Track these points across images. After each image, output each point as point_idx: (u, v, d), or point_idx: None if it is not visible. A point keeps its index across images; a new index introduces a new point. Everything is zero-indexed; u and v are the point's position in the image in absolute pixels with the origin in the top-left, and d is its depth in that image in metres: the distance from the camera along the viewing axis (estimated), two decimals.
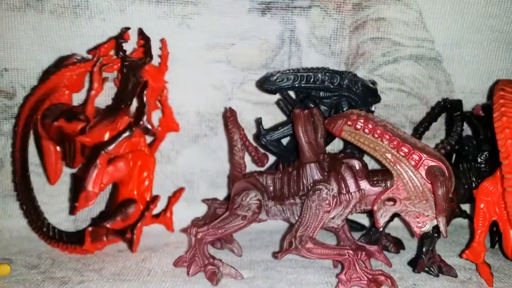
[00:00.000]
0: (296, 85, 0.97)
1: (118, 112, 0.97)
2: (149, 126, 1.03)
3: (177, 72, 1.06)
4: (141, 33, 1.00)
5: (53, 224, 1.02)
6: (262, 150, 1.00)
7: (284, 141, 1.03)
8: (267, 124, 1.04)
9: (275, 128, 1.02)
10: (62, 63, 1.01)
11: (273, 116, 1.10)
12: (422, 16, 1.07)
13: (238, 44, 1.07)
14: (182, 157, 1.08)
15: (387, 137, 0.79)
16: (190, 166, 1.12)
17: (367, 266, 0.86)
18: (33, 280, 0.86)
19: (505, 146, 0.77)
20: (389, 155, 0.80)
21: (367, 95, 0.99)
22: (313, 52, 1.08)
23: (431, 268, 0.90)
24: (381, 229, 0.97)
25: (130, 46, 1.04)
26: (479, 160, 0.97)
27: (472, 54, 1.10)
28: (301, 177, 0.87)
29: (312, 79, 0.97)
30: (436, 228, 0.81)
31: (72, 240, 0.99)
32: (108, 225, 0.98)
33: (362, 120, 0.81)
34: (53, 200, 1.08)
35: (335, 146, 1.13)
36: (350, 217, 0.93)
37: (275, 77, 0.97)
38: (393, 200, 0.81)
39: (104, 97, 1.04)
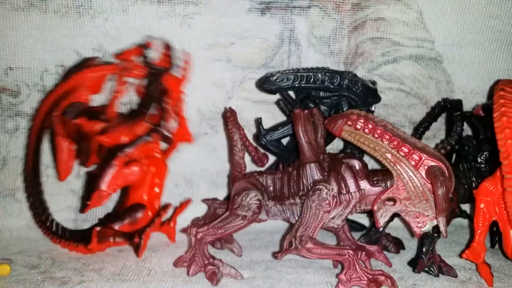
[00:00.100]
0: (296, 85, 0.97)
1: (139, 117, 0.97)
2: (168, 134, 1.02)
3: None
4: (166, 43, 1.01)
5: (57, 220, 1.02)
6: (262, 150, 1.00)
7: (284, 141, 1.03)
8: (267, 124, 1.04)
9: (275, 128, 1.02)
10: (84, 64, 1.02)
11: (273, 116, 1.10)
12: (422, 16, 1.07)
13: (238, 44, 1.07)
14: (182, 156, 1.08)
15: (387, 137, 0.79)
16: (190, 165, 1.13)
17: (367, 266, 0.86)
18: (33, 280, 0.86)
19: (505, 146, 0.77)
20: (389, 155, 0.80)
21: (367, 95, 0.99)
22: (312, 51, 1.08)
23: (431, 268, 0.90)
24: (381, 229, 0.97)
25: (130, 46, 1.05)
26: (479, 160, 0.97)
27: (473, 55, 1.10)
28: (301, 177, 0.87)
29: (312, 79, 0.97)
30: (436, 228, 0.81)
31: (75, 238, 0.99)
32: (116, 227, 0.98)
33: (362, 120, 0.81)
34: (53, 199, 1.08)
35: (335, 146, 1.13)
36: (350, 217, 0.93)
37: (275, 77, 0.97)
38: (393, 200, 0.81)
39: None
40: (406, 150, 0.79)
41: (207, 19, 1.05)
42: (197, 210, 1.07)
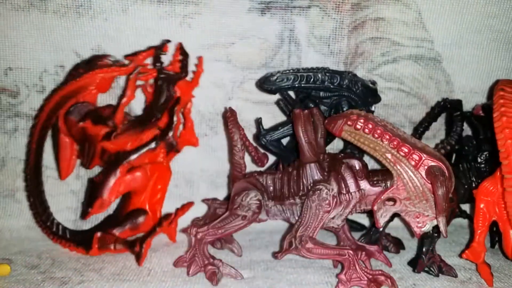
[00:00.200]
0: (296, 85, 0.97)
1: (147, 125, 0.96)
2: (174, 142, 1.02)
3: None
4: (180, 48, 1.00)
5: (57, 220, 1.02)
6: (262, 150, 1.00)
7: (284, 141, 1.03)
8: (267, 124, 1.04)
9: (275, 128, 1.02)
10: (95, 62, 1.00)
11: (273, 116, 1.10)
12: (421, 16, 1.07)
13: (238, 44, 1.07)
14: (182, 157, 1.08)
15: (387, 137, 0.79)
16: (190, 165, 1.13)
17: (367, 266, 0.86)
18: (33, 280, 0.86)
19: (505, 146, 0.77)
20: (389, 155, 0.80)
21: (367, 95, 0.99)
22: (312, 51, 1.08)
23: (431, 268, 0.90)
24: (381, 229, 0.97)
25: (131, 46, 1.05)
26: (479, 160, 0.97)
27: (472, 54, 1.10)
28: (301, 177, 0.87)
29: (312, 79, 0.97)
30: (436, 228, 0.81)
31: (76, 239, 0.99)
32: (116, 233, 0.98)
33: (362, 120, 0.81)
34: (53, 199, 1.07)
35: (335, 146, 1.13)
36: (350, 217, 0.93)
37: (275, 77, 0.97)
38: (393, 200, 0.81)
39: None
40: (406, 150, 0.79)
41: (207, 19, 1.05)
42: (197, 210, 1.06)
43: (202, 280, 0.86)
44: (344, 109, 0.98)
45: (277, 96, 1.06)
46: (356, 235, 1.00)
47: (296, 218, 0.87)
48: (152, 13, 1.04)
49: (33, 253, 0.98)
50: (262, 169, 1.03)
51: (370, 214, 0.92)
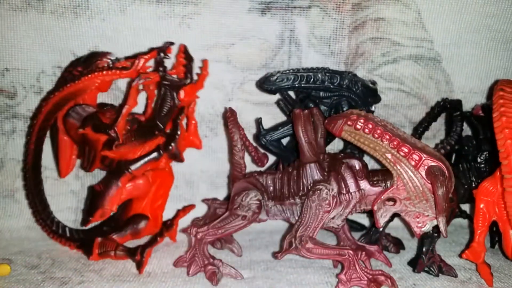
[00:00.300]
0: (296, 85, 0.97)
1: (150, 137, 0.95)
2: (177, 152, 0.99)
3: None
4: (185, 51, 0.98)
5: (57, 219, 1.02)
6: (262, 150, 1.00)
7: (284, 141, 1.03)
8: (267, 124, 1.04)
9: (275, 128, 1.02)
10: (94, 61, 0.99)
11: (273, 117, 1.10)
12: (421, 16, 1.07)
13: (238, 44, 1.07)
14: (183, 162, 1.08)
15: (387, 137, 0.79)
16: (190, 166, 1.12)
17: (367, 266, 0.86)
18: (33, 280, 0.86)
19: (504, 146, 0.77)
20: (389, 155, 0.80)
21: (367, 95, 0.99)
22: (313, 52, 1.08)
23: (431, 268, 0.90)
24: (381, 229, 0.97)
25: (129, 47, 1.05)
26: (479, 160, 0.97)
27: (471, 54, 1.11)
28: (301, 177, 0.87)
29: (312, 79, 0.97)
30: (436, 228, 0.81)
31: (76, 239, 0.99)
32: (117, 239, 0.97)
33: (362, 120, 0.81)
34: (53, 200, 1.07)
35: (335, 146, 1.13)
36: (350, 217, 0.93)
37: (275, 77, 0.97)
38: (393, 200, 0.81)
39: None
40: (406, 150, 0.79)
41: (206, 20, 1.05)
42: (197, 210, 1.07)
43: (202, 280, 0.86)
44: (344, 109, 0.98)
45: (277, 97, 1.06)
46: (356, 235, 1.00)
47: (296, 218, 0.87)
48: (150, 13, 1.03)
49: (33, 253, 0.98)
50: (262, 169, 1.03)
51: (370, 214, 0.92)
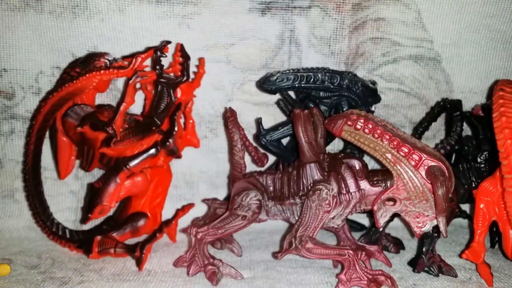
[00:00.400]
0: (296, 85, 0.97)
1: (148, 133, 0.95)
2: (175, 149, 0.99)
3: None
4: (181, 50, 0.98)
5: (57, 220, 1.01)
6: (262, 150, 1.00)
7: (284, 141, 1.03)
8: (267, 124, 1.04)
9: (275, 128, 1.02)
10: (92, 62, 0.99)
11: (273, 118, 1.10)
12: (420, 16, 1.07)
13: (238, 44, 1.06)
14: (182, 158, 1.08)
15: (387, 137, 0.79)
16: (190, 166, 1.12)
17: (367, 266, 0.86)
18: (33, 280, 0.86)
19: (504, 146, 0.77)
20: (389, 155, 0.80)
21: (367, 95, 0.99)
22: (313, 52, 1.08)
23: (431, 268, 0.90)
24: (381, 229, 0.97)
25: (128, 47, 1.05)
26: (479, 160, 0.97)
27: (471, 54, 1.11)
28: (301, 177, 0.87)
29: (312, 79, 0.97)
30: (436, 228, 0.81)
31: (76, 240, 0.99)
32: (117, 237, 0.97)
33: (362, 120, 0.81)
34: (53, 200, 1.07)
35: (335, 146, 1.13)
36: (350, 217, 0.93)
37: (275, 77, 0.97)
38: (393, 200, 0.81)
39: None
40: (406, 150, 0.79)
41: (206, 20, 1.04)
42: (197, 210, 1.07)
43: (202, 280, 0.86)
44: (344, 109, 0.98)
45: (277, 97, 1.06)
46: (356, 235, 1.00)
47: (296, 218, 0.87)
48: (150, 13, 1.03)
49: (33, 253, 0.98)
50: (262, 169, 1.03)
51: (370, 214, 0.92)
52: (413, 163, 0.79)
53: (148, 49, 0.98)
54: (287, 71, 0.97)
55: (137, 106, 1.03)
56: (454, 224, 1.11)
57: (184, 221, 1.05)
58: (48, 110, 0.97)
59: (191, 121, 1.05)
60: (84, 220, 0.96)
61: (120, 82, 1.08)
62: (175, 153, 0.99)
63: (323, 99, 0.99)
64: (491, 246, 1.02)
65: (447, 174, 0.78)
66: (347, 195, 0.84)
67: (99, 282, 0.85)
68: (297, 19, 1.06)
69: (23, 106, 1.07)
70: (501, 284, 0.86)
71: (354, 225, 1.10)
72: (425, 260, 0.90)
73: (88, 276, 0.87)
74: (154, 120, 0.96)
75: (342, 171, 0.85)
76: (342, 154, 0.90)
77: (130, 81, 0.94)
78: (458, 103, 1.02)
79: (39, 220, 1.00)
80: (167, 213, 1.05)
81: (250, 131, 1.09)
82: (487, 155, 0.97)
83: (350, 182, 0.85)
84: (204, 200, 1.04)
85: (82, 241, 0.98)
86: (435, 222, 0.80)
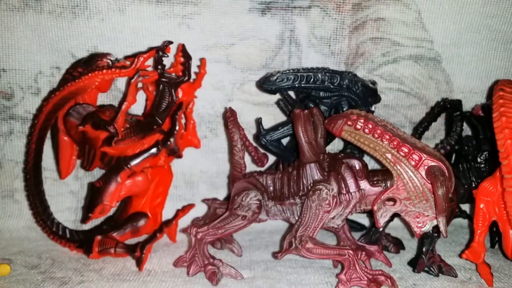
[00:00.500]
0: (296, 85, 0.97)
1: (149, 132, 0.95)
2: (176, 148, 0.99)
3: None
4: (183, 50, 0.98)
5: (58, 220, 1.01)
6: (262, 150, 1.00)
7: (284, 141, 1.03)
8: (267, 124, 1.04)
9: (275, 128, 1.02)
10: (95, 62, 0.99)
11: (273, 118, 1.10)
12: (421, 16, 1.07)
13: (238, 44, 1.06)
14: (182, 158, 1.08)
15: (387, 137, 0.79)
16: (190, 166, 1.12)
17: (367, 266, 0.86)
18: (33, 280, 0.86)
19: (504, 146, 0.77)
20: (389, 155, 0.80)
21: (367, 95, 0.99)
22: (313, 52, 1.08)
23: (431, 268, 0.90)
24: (381, 229, 0.97)
25: (128, 47, 1.05)
26: (479, 160, 0.97)
27: (471, 54, 1.11)
28: (301, 177, 0.87)
29: (312, 79, 0.97)
30: (436, 228, 0.81)
31: (76, 240, 0.99)
32: (117, 237, 0.97)
33: (362, 120, 0.81)
34: (53, 200, 1.07)
35: (335, 146, 1.13)
36: (350, 217, 0.93)
37: (275, 77, 0.97)
38: (393, 200, 0.81)
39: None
40: (406, 150, 0.79)
41: (206, 20, 1.04)
42: (197, 210, 1.07)
43: (202, 280, 0.86)
44: (344, 109, 0.98)
45: (277, 97, 1.06)
46: (356, 235, 1.00)
47: (296, 218, 0.87)
48: (150, 13, 1.03)
49: (33, 253, 0.98)
50: (262, 169, 1.03)
51: (370, 214, 0.92)
52: (413, 163, 0.79)
53: (150, 49, 0.98)
54: (287, 71, 0.97)
55: (138, 106, 1.03)
56: (454, 224, 1.11)
57: (184, 221, 1.05)
58: (50, 109, 0.97)
59: (192, 121, 1.05)
60: (84, 219, 0.96)
61: (120, 83, 1.08)
62: (176, 153, 0.99)
63: (323, 99, 0.99)
64: (491, 246, 1.02)
65: (447, 174, 0.78)
66: (347, 195, 0.84)
67: (99, 282, 0.85)
68: (297, 19, 1.06)
69: (22, 106, 1.07)
70: (501, 284, 0.86)
71: (354, 225, 1.10)
72: (425, 260, 0.90)
73: (88, 276, 0.87)
74: (155, 119, 0.96)
75: (342, 171, 0.85)
76: (342, 154, 0.90)
77: (132, 81, 0.94)
78: (458, 103, 1.02)
79: (39, 219, 1.00)
80: (167, 213, 1.05)
81: (250, 131, 1.09)
82: (487, 155, 0.97)
83: (350, 182, 0.85)
84: (204, 200, 1.04)
85: (82, 241, 0.98)
86: (435, 222, 0.80)
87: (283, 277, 0.88)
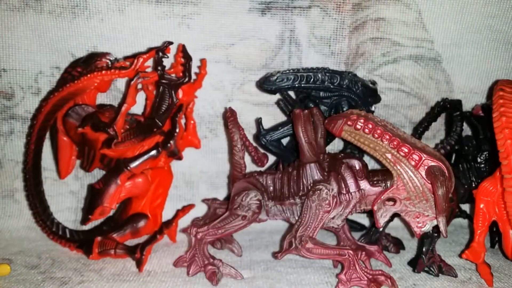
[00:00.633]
0: (296, 85, 0.97)
1: (149, 135, 0.95)
2: (176, 150, 0.99)
3: None
4: (183, 50, 0.98)
5: (57, 220, 1.01)
6: (262, 150, 1.00)
7: (284, 141, 1.03)
8: (267, 124, 1.04)
9: (275, 128, 1.02)
10: (94, 62, 0.99)
11: (273, 118, 1.10)
12: (421, 16, 1.07)
13: (238, 44, 1.06)
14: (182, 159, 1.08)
15: (387, 137, 0.79)
16: (190, 167, 1.12)
17: (367, 266, 0.86)
18: (33, 280, 0.86)
19: (504, 146, 0.77)
20: (389, 155, 0.80)
21: (367, 95, 0.99)
22: (313, 52, 1.08)
23: (431, 268, 0.90)
24: (381, 229, 0.97)
25: (128, 47, 1.05)
26: (479, 160, 0.97)
27: (471, 54, 1.11)
28: (301, 177, 0.87)
29: (312, 79, 0.97)
30: (436, 228, 0.81)
31: (76, 240, 0.99)
32: (117, 238, 0.97)
33: (362, 120, 0.81)
34: (53, 200, 1.07)
35: (335, 146, 1.13)
36: (350, 217, 0.93)
37: (275, 77, 0.97)
38: (393, 200, 0.81)
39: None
40: (406, 150, 0.79)
41: (206, 20, 1.04)
42: (197, 210, 1.07)
43: (202, 280, 0.86)
44: (344, 109, 0.98)
45: (277, 97, 1.06)
46: (356, 235, 1.00)
47: (296, 218, 0.87)
48: (150, 13, 1.03)
49: (33, 253, 0.98)
50: (262, 169, 1.03)
51: (370, 214, 0.92)
52: (413, 163, 0.79)
53: (150, 49, 0.97)
54: (287, 71, 0.97)
55: (138, 107, 1.03)
56: (454, 224, 1.11)
57: (184, 221, 1.05)
58: (49, 110, 0.97)
59: (192, 121, 1.05)
60: (84, 221, 0.96)
61: (120, 83, 1.08)
62: (176, 155, 0.99)
63: (323, 99, 0.99)
64: (491, 246, 1.02)
65: (447, 174, 0.78)
66: (347, 195, 0.84)
67: (99, 282, 0.85)
68: (297, 19, 1.06)
69: (22, 106, 1.07)
70: (501, 284, 0.86)
71: (354, 225, 1.10)
72: (425, 260, 0.90)
73: (88, 276, 0.88)
74: (156, 121, 0.96)
75: (342, 171, 0.85)
76: (342, 154, 0.90)
77: (132, 82, 0.93)
78: (458, 103, 1.02)
79: (39, 219, 1.00)
80: (167, 214, 1.05)
81: (250, 131, 1.09)
82: (487, 155, 0.97)
83: (350, 182, 0.85)
84: (204, 200, 1.04)
85: (82, 241, 0.98)
86: (435, 222, 0.80)
87: (283, 277, 0.88)
